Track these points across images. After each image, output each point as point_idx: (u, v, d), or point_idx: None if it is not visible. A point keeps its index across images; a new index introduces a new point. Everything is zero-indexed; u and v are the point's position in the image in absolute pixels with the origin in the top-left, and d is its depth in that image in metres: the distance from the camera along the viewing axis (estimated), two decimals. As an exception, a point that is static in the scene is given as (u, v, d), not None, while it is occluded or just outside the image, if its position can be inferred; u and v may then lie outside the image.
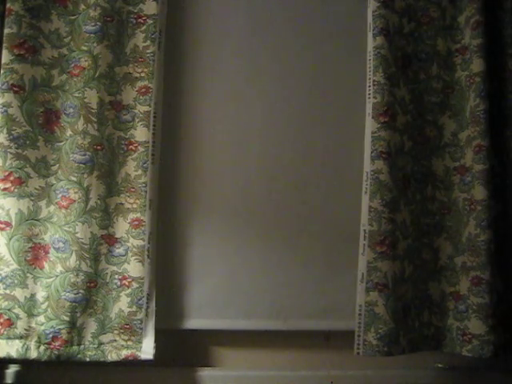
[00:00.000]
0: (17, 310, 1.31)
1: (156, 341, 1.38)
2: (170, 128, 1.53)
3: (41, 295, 1.33)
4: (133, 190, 1.41)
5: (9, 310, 1.30)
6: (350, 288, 1.45)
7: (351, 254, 1.46)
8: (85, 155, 1.38)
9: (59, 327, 1.32)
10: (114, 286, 1.39)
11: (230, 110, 1.58)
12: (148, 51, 1.45)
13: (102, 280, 1.38)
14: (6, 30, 1.36)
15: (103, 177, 1.40)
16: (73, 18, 1.43)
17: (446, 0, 1.55)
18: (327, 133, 1.59)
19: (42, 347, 1.31)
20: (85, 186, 1.37)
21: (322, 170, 1.58)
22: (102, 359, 1.35)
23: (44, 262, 1.35)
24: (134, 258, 1.39)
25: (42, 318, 1.32)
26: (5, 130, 1.33)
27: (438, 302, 1.47)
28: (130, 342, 1.37)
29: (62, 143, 1.39)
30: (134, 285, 1.38)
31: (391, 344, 1.38)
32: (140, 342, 1.37)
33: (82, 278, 1.35)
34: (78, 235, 1.35)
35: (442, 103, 1.53)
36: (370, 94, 1.46)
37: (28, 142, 1.36)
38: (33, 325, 1.32)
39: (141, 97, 1.44)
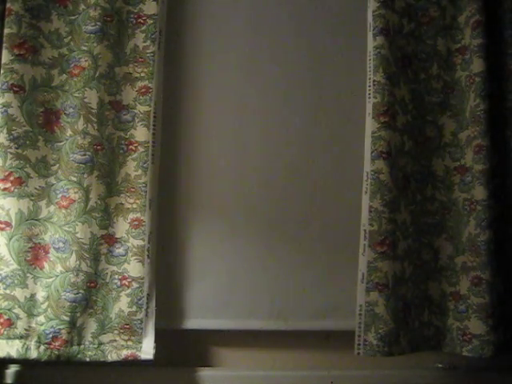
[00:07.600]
0: (17, 310, 1.31)
1: (156, 341, 1.38)
2: (170, 128, 1.53)
3: (41, 295, 1.33)
4: (133, 189, 1.41)
5: (9, 309, 1.30)
6: (350, 288, 1.45)
7: (351, 254, 1.46)
8: (85, 155, 1.38)
9: (59, 327, 1.32)
10: (114, 286, 1.38)
11: (230, 110, 1.58)
12: (148, 51, 1.45)
13: (102, 280, 1.38)
14: (6, 30, 1.36)
15: (103, 177, 1.40)
16: (73, 17, 1.43)
17: (445, 0, 1.56)
18: (327, 133, 1.59)
19: (42, 347, 1.31)
20: (85, 185, 1.37)
21: (322, 170, 1.58)
22: (102, 359, 1.35)
23: (44, 262, 1.35)
24: (134, 258, 1.39)
25: (42, 318, 1.32)
26: (5, 130, 1.33)
27: (438, 302, 1.47)
28: (129, 342, 1.37)
29: (62, 143, 1.39)
30: (134, 285, 1.38)
31: (391, 344, 1.38)
32: (140, 342, 1.37)
33: (82, 277, 1.35)
34: (78, 235, 1.35)
35: (442, 103, 1.53)
36: (370, 94, 1.46)
37: (28, 142, 1.36)
38: (33, 325, 1.32)
39: (141, 97, 1.44)
